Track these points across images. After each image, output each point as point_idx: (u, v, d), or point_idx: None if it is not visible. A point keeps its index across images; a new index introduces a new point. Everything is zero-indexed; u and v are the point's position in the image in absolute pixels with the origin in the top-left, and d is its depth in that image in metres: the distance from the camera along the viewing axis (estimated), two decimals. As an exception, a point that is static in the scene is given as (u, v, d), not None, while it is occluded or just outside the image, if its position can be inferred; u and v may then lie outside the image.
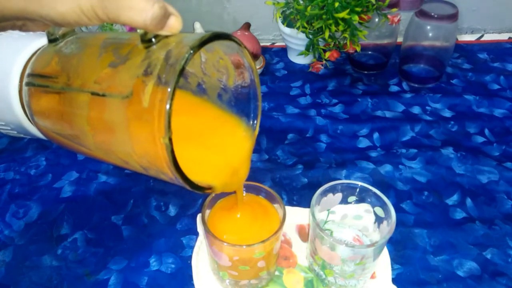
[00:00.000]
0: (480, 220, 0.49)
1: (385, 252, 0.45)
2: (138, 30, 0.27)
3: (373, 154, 0.58)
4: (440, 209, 0.51)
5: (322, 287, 0.43)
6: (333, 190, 0.42)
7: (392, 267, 0.45)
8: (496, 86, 0.69)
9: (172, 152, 0.25)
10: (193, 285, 0.44)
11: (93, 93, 0.28)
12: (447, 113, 0.64)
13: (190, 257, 0.46)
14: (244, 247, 0.38)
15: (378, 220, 0.42)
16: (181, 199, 0.52)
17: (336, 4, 0.60)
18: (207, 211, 0.41)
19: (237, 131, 0.35)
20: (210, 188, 0.31)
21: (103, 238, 0.48)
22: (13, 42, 0.36)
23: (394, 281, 0.44)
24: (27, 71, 0.33)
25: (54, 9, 0.27)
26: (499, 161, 0.56)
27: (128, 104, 0.26)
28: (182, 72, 0.25)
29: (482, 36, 0.84)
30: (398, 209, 0.50)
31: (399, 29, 0.70)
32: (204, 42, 0.26)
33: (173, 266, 0.46)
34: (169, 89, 0.24)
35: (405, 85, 0.70)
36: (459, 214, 0.50)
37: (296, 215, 0.49)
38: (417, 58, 0.70)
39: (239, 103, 0.35)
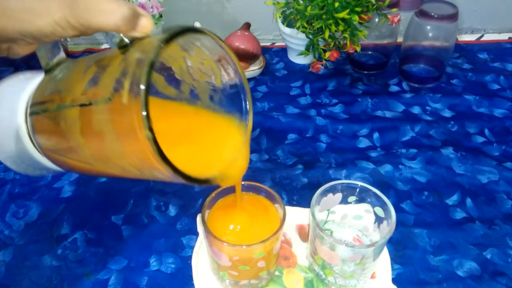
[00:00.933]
0: (480, 220, 0.49)
1: (385, 252, 0.46)
2: (114, 40, 0.28)
3: (373, 154, 0.58)
4: (440, 209, 0.51)
5: (322, 287, 0.43)
6: (333, 190, 0.42)
7: (392, 267, 0.45)
8: (496, 86, 0.69)
9: (156, 142, 0.25)
10: (193, 285, 0.44)
11: (81, 105, 0.30)
12: (447, 113, 0.65)
13: (190, 257, 0.46)
14: (244, 247, 0.38)
15: (378, 220, 0.42)
16: (181, 199, 0.52)
17: (336, 4, 0.60)
18: (207, 211, 0.41)
19: (231, 127, 0.36)
20: (208, 181, 0.31)
21: (103, 238, 0.48)
22: (19, 83, 0.39)
23: (394, 281, 0.44)
24: (29, 103, 0.36)
25: (32, 23, 0.28)
26: (499, 161, 0.56)
27: (111, 107, 0.27)
28: (153, 64, 0.25)
29: (482, 36, 0.84)
30: (398, 209, 0.50)
31: (399, 29, 0.70)
32: (174, 35, 0.27)
33: (173, 266, 0.46)
34: (142, 84, 0.25)
35: (405, 85, 0.70)
36: (459, 214, 0.50)
37: (296, 215, 0.49)
38: (417, 58, 0.70)
39: (231, 100, 0.36)
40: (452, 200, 0.52)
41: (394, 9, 0.64)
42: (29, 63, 0.74)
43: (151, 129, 0.25)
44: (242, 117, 0.36)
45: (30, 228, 0.50)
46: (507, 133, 0.61)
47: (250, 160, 0.57)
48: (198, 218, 0.50)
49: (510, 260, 0.46)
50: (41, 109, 0.35)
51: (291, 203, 0.52)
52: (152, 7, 0.64)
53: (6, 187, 0.54)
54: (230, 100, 0.36)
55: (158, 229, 0.49)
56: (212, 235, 0.37)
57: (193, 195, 0.53)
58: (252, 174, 0.55)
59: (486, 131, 0.61)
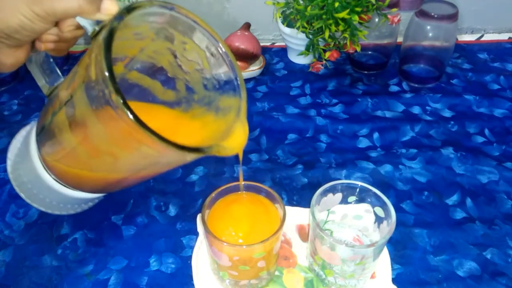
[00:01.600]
0: (480, 220, 0.49)
1: (385, 252, 0.45)
2: (88, 33, 0.31)
3: (373, 154, 0.58)
4: (440, 209, 0.51)
5: (322, 287, 0.43)
6: (333, 190, 0.42)
7: (392, 267, 0.45)
8: (496, 86, 0.69)
9: (127, 105, 0.26)
10: (193, 285, 0.44)
11: (65, 103, 0.31)
12: (447, 113, 0.64)
13: (190, 257, 0.46)
14: (244, 247, 0.38)
15: (378, 220, 0.42)
16: (181, 199, 0.52)
17: (336, 4, 0.60)
18: (207, 211, 0.41)
19: (231, 107, 0.36)
20: (201, 150, 0.32)
21: (103, 238, 0.48)
22: (29, 131, 0.40)
23: (394, 281, 0.44)
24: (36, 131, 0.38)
25: (2, 21, 0.29)
26: (499, 161, 0.56)
27: (85, 88, 0.28)
28: (112, 34, 0.26)
29: (482, 36, 0.84)
30: (398, 209, 0.50)
31: (399, 29, 0.70)
32: (126, 10, 0.28)
33: (173, 266, 0.46)
34: (103, 43, 0.26)
35: (405, 85, 0.70)
36: (459, 214, 0.50)
37: (296, 215, 0.49)
38: (417, 58, 0.70)
39: (223, 81, 0.36)
40: (452, 200, 0.52)
41: (394, 9, 0.64)
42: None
43: (118, 91, 0.25)
44: (236, 92, 0.35)
45: (30, 228, 0.49)
46: (507, 133, 0.61)
47: (250, 160, 0.57)
48: (198, 218, 0.50)
49: (510, 260, 0.45)
50: (40, 126, 0.36)
51: (291, 203, 0.52)
52: (152, 7, 0.64)
53: (6, 187, 0.54)
54: (222, 81, 0.35)
55: (158, 229, 0.49)
56: (212, 235, 0.37)
57: (193, 195, 0.53)
58: (252, 174, 0.55)
59: (486, 131, 0.61)
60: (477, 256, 0.46)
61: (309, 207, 0.41)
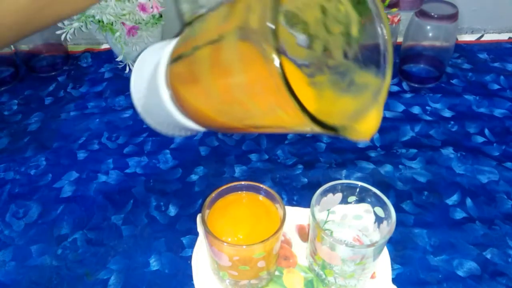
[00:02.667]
0: (480, 220, 0.49)
1: (385, 252, 0.45)
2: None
3: (373, 154, 0.58)
4: (440, 209, 0.51)
5: (322, 287, 0.43)
6: (333, 190, 0.42)
7: (392, 267, 0.45)
8: (496, 86, 0.69)
9: (283, 69, 0.24)
10: (193, 285, 0.44)
11: (212, 42, 0.29)
12: (447, 113, 0.64)
13: (190, 257, 0.46)
14: (244, 247, 0.38)
15: (378, 220, 0.42)
16: (181, 199, 0.52)
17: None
18: (207, 211, 0.41)
19: (364, 82, 0.33)
20: (335, 128, 0.28)
21: (103, 238, 0.48)
22: (158, 49, 0.39)
23: (394, 281, 0.44)
24: (169, 57, 0.36)
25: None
26: (499, 161, 0.56)
27: (240, 35, 0.26)
28: None
29: (482, 36, 0.84)
30: (398, 209, 0.50)
31: (399, 29, 0.70)
32: None
33: (173, 266, 0.46)
34: (272, 3, 0.24)
35: (405, 85, 0.70)
36: (459, 214, 0.50)
37: (296, 215, 0.49)
38: (417, 58, 0.70)
39: (367, 54, 0.32)
40: (452, 200, 0.52)
41: (394, 9, 0.64)
42: (29, 63, 0.74)
43: (280, 51, 0.24)
44: (378, 70, 0.32)
45: (30, 228, 0.49)
46: (507, 133, 0.61)
47: (250, 160, 0.57)
48: (198, 218, 0.50)
49: (510, 260, 0.45)
50: (177, 56, 0.34)
51: (291, 203, 0.52)
52: (152, 7, 0.64)
53: (6, 187, 0.54)
54: (366, 54, 0.32)
55: (158, 229, 0.49)
56: (212, 235, 0.37)
57: (193, 195, 0.53)
58: (252, 174, 0.55)
59: (486, 131, 0.61)
60: (477, 256, 0.46)
61: (309, 207, 0.41)
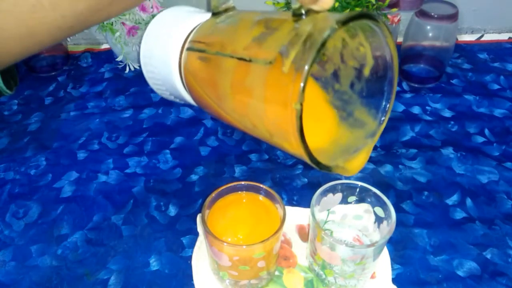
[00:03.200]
0: (480, 220, 0.49)
1: (385, 252, 0.45)
2: (292, 5, 0.29)
3: (373, 154, 0.58)
4: (440, 209, 0.51)
5: (322, 287, 0.43)
6: (333, 190, 0.42)
7: (392, 267, 0.45)
8: (496, 86, 0.69)
9: (301, 118, 0.26)
10: (193, 285, 0.44)
11: (240, 59, 0.30)
12: (447, 113, 0.65)
13: (190, 257, 0.46)
14: (244, 247, 0.38)
15: (378, 220, 0.42)
16: (181, 199, 0.52)
17: (336, 4, 0.60)
18: (207, 211, 0.41)
19: (364, 120, 0.35)
20: (329, 168, 0.31)
21: (103, 238, 0.48)
22: (182, 14, 0.39)
23: (394, 281, 0.44)
24: (190, 38, 0.36)
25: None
26: (499, 161, 0.56)
27: (269, 70, 0.28)
28: (323, 44, 0.25)
29: (482, 36, 0.84)
30: (398, 209, 0.50)
31: (399, 29, 0.70)
32: (351, 18, 0.27)
33: (173, 266, 0.46)
34: (308, 60, 0.25)
35: (405, 85, 0.70)
36: (459, 214, 0.50)
37: (296, 215, 0.49)
38: (417, 58, 0.70)
39: (370, 94, 0.34)
40: (452, 200, 0.52)
41: (394, 9, 0.64)
42: (29, 63, 0.74)
43: (301, 105, 0.25)
44: (377, 114, 0.34)
45: (30, 228, 0.49)
46: (507, 133, 0.61)
47: (250, 160, 0.57)
48: (198, 218, 0.50)
49: (510, 260, 0.46)
50: (199, 48, 0.35)
51: (291, 203, 0.52)
52: (152, 7, 0.64)
53: (6, 187, 0.54)
54: (370, 93, 0.34)
55: (158, 229, 0.49)
56: (212, 235, 0.37)
57: (193, 195, 0.53)
58: (252, 174, 0.55)
59: (486, 131, 0.61)
60: (477, 256, 0.46)
61: (309, 207, 0.41)
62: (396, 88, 0.34)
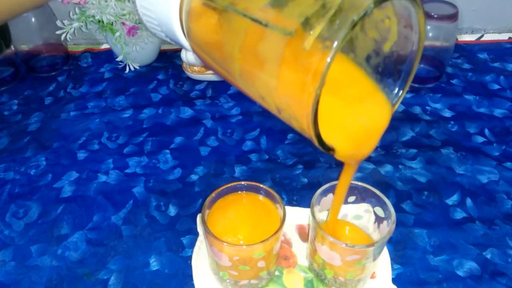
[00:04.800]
0: (480, 220, 0.49)
1: (385, 252, 0.45)
2: None
3: (373, 154, 0.58)
4: (440, 209, 0.51)
5: (322, 287, 0.43)
6: (333, 190, 0.42)
7: (392, 267, 0.45)
8: (496, 86, 0.69)
9: (317, 104, 0.23)
10: (193, 285, 0.44)
11: (254, 20, 0.27)
12: (447, 113, 0.65)
13: (190, 257, 0.46)
14: (244, 247, 0.38)
15: (378, 220, 0.42)
16: (181, 199, 0.52)
17: (336, 4, 0.60)
18: (207, 211, 0.41)
19: (378, 102, 0.32)
20: (332, 150, 0.28)
21: (103, 238, 0.48)
22: None
23: (394, 281, 0.44)
24: None
25: None
26: (499, 161, 0.56)
27: (288, 42, 0.25)
28: (356, 24, 0.22)
29: (482, 36, 0.84)
30: (398, 209, 0.50)
31: (399, 29, 0.70)
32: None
33: (173, 266, 0.46)
34: (336, 41, 0.22)
35: (405, 85, 0.70)
36: (459, 214, 0.50)
37: (296, 215, 0.49)
38: (417, 58, 0.70)
39: (387, 71, 0.31)
40: (452, 200, 0.52)
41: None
42: (29, 63, 0.74)
43: (322, 86, 0.23)
44: (390, 95, 0.31)
45: (30, 228, 0.49)
46: (507, 133, 0.61)
47: (250, 160, 0.57)
48: (198, 218, 0.50)
49: (510, 260, 0.45)
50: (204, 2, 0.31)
51: (291, 203, 0.52)
52: (152, 7, 0.64)
53: (6, 187, 0.54)
54: (387, 70, 0.31)
55: (158, 229, 0.49)
56: (212, 235, 0.37)
57: (193, 195, 0.53)
58: (252, 174, 0.55)
59: (486, 131, 0.61)
60: (477, 256, 0.46)
61: (309, 207, 0.41)
62: (415, 70, 0.30)
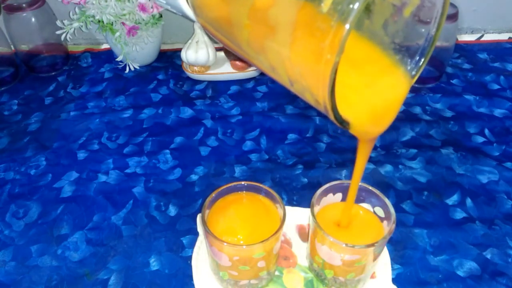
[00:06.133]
0: (480, 220, 0.49)
1: (385, 252, 0.45)
2: None
3: (373, 154, 0.58)
4: (440, 209, 0.51)
5: (322, 287, 0.43)
6: (333, 190, 0.42)
7: (392, 267, 0.45)
8: (496, 86, 0.69)
9: (335, 73, 0.22)
10: (193, 285, 0.44)
11: None
12: (447, 113, 0.64)
13: (190, 257, 0.46)
14: (244, 247, 0.38)
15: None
16: (181, 199, 0.52)
17: None
18: (207, 211, 0.41)
19: (395, 73, 0.30)
20: (347, 124, 0.26)
21: (103, 238, 0.48)
22: None
23: (394, 281, 0.44)
24: None
25: None
26: (499, 161, 0.56)
27: (302, 4, 0.22)
28: None
29: (482, 36, 0.84)
30: (398, 209, 0.50)
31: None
32: None
33: (173, 266, 0.46)
34: (357, 3, 0.20)
35: (405, 85, 0.70)
36: (459, 214, 0.50)
37: (296, 215, 0.49)
38: (417, 58, 0.70)
39: (406, 40, 0.29)
40: (452, 200, 0.52)
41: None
42: (29, 63, 0.74)
43: (341, 51, 0.21)
44: (409, 65, 0.29)
45: (30, 228, 0.49)
46: (507, 133, 0.61)
47: (250, 160, 0.57)
48: (198, 218, 0.50)
49: (510, 260, 0.45)
50: None
51: (291, 203, 0.52)
52: (152, 7, 0.64)
53: (6, 187, 0.54)
54: (405, 39, 0.29)
55: (158, 229, 0.49)
56: (212, 235, 0.37)
57: (193, 195, 0.53)
58: (252, 174, 0.55)
59: (486, 131, 0.61)
60: (477, 256, 0.46)
61: (309, 207, 0.41)
62: (438, 37, 0.28)
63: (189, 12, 0.34)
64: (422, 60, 0.29)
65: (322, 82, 0.22)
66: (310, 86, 0.24)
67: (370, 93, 0.29)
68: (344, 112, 0.25)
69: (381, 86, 0.30)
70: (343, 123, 0.26)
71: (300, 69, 0.24)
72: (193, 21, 0.35)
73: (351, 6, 0.20)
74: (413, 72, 0.29)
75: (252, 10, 0.26)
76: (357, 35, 0.28)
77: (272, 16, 0.24)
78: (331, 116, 0.24)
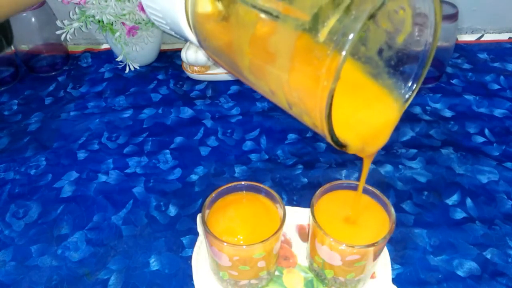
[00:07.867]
0: (480, 220, 0.49)
1: (385, 252, 0.45)
2: None
3: (373, 154, 0.57)
4: (440, 209, 0.51)
5: (322, 287, 0.43)
6: (333, 190, 0.42)
7: (392, 267, 0.45)
8: (496, 86, 0.69)
9: (331, 98, 0.23)
10: (193, 285, 0.44)
11: (264, 11, 0.26)
12: (447, 113, 0.64)
13: (190, 257, 0.46)
14: (244, 247, 0.38)
15: (378, 220, 0.42)
16: (181, 199, 0.52)
17: None
18: (207, 211, 0.41)
19: (389, 97, 0.31)
20: (344, 146, 0.28)
21: (103, 238, 0.48)
22: None
23: (394, 281, 0.44)
24: None
25: None
26: (499, 161, 0.56)
27: (299, 34, 0.24)
28: (373, 15, 0.22)
29: (482, 36, 0.84)
30: (398, 209, 0.50)
31: (399, 29, 0.70)
32: None
33: (173, 266, 0.46)
34: (352, 33, 0.21)
35: (405, 85, 0.70)
36: (459, 214, 0.50)
37: (296, 215, 0.49)
38: (417, 58, 0.70)
39: (400, 65, 0.30)
40: (452, 200, 0.52)
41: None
42: (29, 63, 0.74)
43: (336, 82, 0.22)
44: (403, 89, 0.30)
45: (30, 228, 0.50)
46: (507, 133, 0.61)
47: (250, 160, 0.57)
48: (198, 218, 0.50)
49: (510, 260, 0.46)
50: None
51: (291, 203, 0.52)
52: (152, 7, 0.64)
53: (6, 187, 0.54)
54: (400, 64, 0.30)
55: (158, 229, 0.49)
56: (212, 235, 0.37)
57: (193, 195, 0.53)
58: (252, 174, 0.55)
59: (486, 131, 0.61)
60: (477, 256, 0.46)
61: (309, 207, 0.41)
62: (430, 62, 0.29)
63: (194, 41, 0.34)
64: (415, 85, 0.30)
65: (319, 106, 0.23)
66: (308, 110, 0.25)
67: (365, 116, 0.30)
68: (341, 134, 0.26)
69: (376, 109, 0.31)
70: (340, 144, 0.27)
71: (298, 94, 0.25)
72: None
73: (346, 37, 0.21)
74: (407, 96, 0.31)
75: (253, 39, 0.27)
76: (353, 61, 0.29)
77: (272, 44, 0.26)
78: (328, 138, 0.26)
